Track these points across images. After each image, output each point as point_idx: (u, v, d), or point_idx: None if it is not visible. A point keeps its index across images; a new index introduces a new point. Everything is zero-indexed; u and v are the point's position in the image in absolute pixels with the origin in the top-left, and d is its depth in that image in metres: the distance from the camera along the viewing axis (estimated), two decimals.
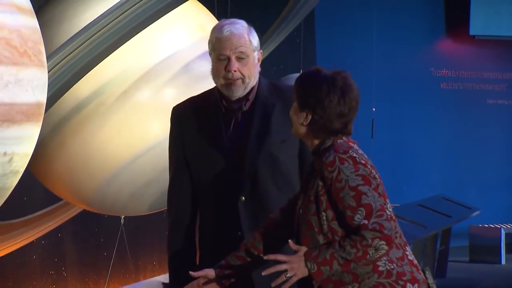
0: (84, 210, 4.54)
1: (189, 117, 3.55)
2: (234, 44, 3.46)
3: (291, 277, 3.04)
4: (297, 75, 8.31)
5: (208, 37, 3.77)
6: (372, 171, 3.10)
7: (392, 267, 3.10)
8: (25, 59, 2.39)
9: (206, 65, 3.99)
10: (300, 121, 3.16)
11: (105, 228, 6.30)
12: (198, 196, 3.56)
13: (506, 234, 11.93)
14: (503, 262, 11.67)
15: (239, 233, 3.49)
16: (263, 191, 3.51)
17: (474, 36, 12.48)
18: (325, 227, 3.09)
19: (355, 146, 3.14)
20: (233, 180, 3.50)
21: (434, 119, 12.55)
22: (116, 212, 4.34)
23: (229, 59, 3.45)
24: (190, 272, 3.32)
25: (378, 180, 3.10)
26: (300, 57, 8.99)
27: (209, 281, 3.30)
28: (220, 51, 3.46)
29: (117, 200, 4.06)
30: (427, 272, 3.22)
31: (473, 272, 10.95)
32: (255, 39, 3.51)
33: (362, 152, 3.14)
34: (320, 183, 3.08)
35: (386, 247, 3.03)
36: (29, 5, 2.50)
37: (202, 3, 4.30)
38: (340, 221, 3.07)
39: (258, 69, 3.53)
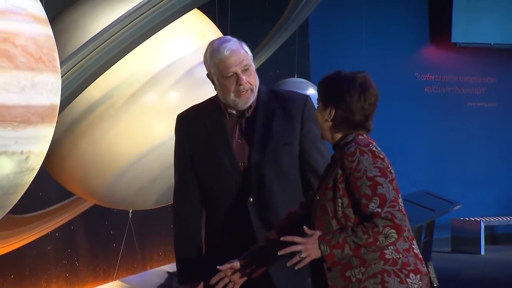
0: (95, 205, 4.54)
1: (194, 124, 3.53)
2: (237, 60, 3.45)
3: (304, 257, 3.05)
4: (292, 79, 8.33)
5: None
6: (389, 166, 3.12)
7: (398, 256, 3.10)
8: (40, 65, 2.38)
9: None
10: (325, 118, 3.18)
11: (114, 221, 6.29)
12: (204, 199, 3.55)
13: (486, 227, 11.93)
14: (483, 252, 11.67)
15: (250, 232, 3.47)
16: (269, 192, 3.49)
17: (455, 43, 12.48)
18: (340, 213, 3.09)
19: (374, 143, 3.16)
20: (240, 183, 3.48)
21: (419, 120, 12.55)
22: (125, 206, 4.33)
23: (236, 74, 3.44)
24: (218, 267, 3.31)
25: (393, 175, 3.11)
26: (295, 62, 8.98)
27: (234, 271, 3.31)
28: (226, 70, 3.43)
29: (125, 195, 4.06)
30: (430, 266, 3.24)
31: (455, 262, 10.95)
32: (248, 49, 3.50)
33: (380, 149, 3.15)
34: (340, 172, 3.09)
35: (395, 236, 3.03)
36: (44, 15, 2.49)
37: (204, 13, 4.29)
38: (354, 208, 3.08)
39: (257, 75, 3.54)
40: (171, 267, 7.45)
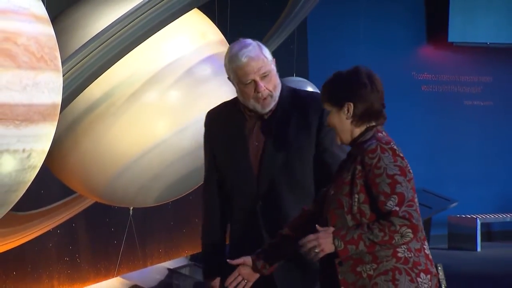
0: (96, 202, 4.54)
1: (217, 122, 3.54)
2: (255, 68, 3.41)
3: (318, 252, 3.04)
4: (291, 78, 8.32)
5: (211, 46, 3.76)
6: (408, 165, 3.10)
7: (410, 255, 3.08)
8: (42, 64, 2.38)
9: (207, 69, 3.99)
10: (344, 117, 3.14)
11: (115, 219, 6.29)
12: (224, 197, 3.55)
13: (482, 224, 11.93)
14: (479, 249, 11.67)
15: (258, 236, 3.46)
16: (278, 198, 3.46)
17: (452, 42, 12.47)
18: (355, 208, 3.07)
19: (393, 141, 3.15)
20: (251, 186, 3.47)
21: (416, 119, 12.55)
22: (125, 204, 4.33)
23: (255, 81, 3.41)
24: (228, 260, 3.31)
25: (412, 174, 3.10)
26: (293, 61, 8.98)
27: (246, 268, 3.31)
28: (244, 77, 3.40)
29: (126, 193, 4.06)
30: (439, 267, 3.21)
31: (451, 258, 10.96)
32: (267, 53, 3.45)
33: (400, 149, 3.14)
34: (359, 167, 3.07)
35: (411, 235, 3.02)
36: (45, 15, 2.49)
37: (203, 13, 4.29)
38: (371, 205, 3.06)
39: (278, 79, 3.48)
40: (171, 263, 7.46)
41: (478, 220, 11.84)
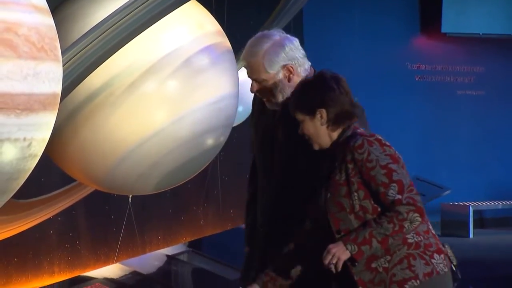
0: (96, 190, 4.54)
1: (257, 105, 3.53)
2: (249, 72, 3.41)
3: (335, 263, 2.99)
4: None
5: (208, 36, 3.75)
6: (396, 152, 3.09)
7: (420, 239, 3.06)
8: (42, 54, 2.38)
9: (205, 60, 3.98)
10: (319, 124, 3.12)
11: (115, 206, 6.29)
12: None
13: (474, 211, 11.96)
14: (471, 236, 11.70)
15: (259, 228, 3.44)
16: (279, 194, 3.44)
17: (445, 33, 12.48)
18: (357, 206, 3.04)
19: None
20: (261, 180, 3.45)
21: (410, 108, 12.55)
22: (125, 191, 4.33)
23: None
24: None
25: (402, 160, 3.10)
26: None
27: None
28: None
29: (125, 180, 4.06)
30: (446, 246, 3.20)
31: None
32: (272, 62, 3.36)
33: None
34: (350, 166, 3.03)
35: (419, 219, 3.00)
36: (45, 5, 2.49)
37: (200, 3, 4.28)
38: (374, 199, 3.03)
39: (287, 83, 3.37)
40: (170, 250, 7.46)
41: (470, 208, 11.86)
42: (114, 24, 3.58)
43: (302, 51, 3.47)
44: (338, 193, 3.05)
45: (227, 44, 4.01)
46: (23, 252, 5.43)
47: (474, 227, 11.87)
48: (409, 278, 3.02)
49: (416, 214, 2.98)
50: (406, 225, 2.97)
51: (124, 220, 5.43)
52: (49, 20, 2.47)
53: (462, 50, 12.78)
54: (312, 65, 3.52)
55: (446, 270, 3.07)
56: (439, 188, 10.71)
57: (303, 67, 3.43)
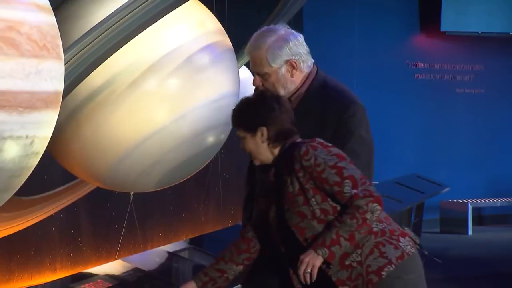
0: (97, 187, 4.54)
1: None
2: (252, 65, 3.40)
3: (310, 270, 3.01)
4: None
5: (209, 35, 3.75)
6: (340, 150, 3.13)
7: (384, 226, 3.10)
8: (44, 52, 2.38)
9: (206, 58, 3.98)
10: (259, 141, 3.15)
11: (116, 203, 6.30)
12: None
13: (473, 208, 11.97)
14: (470, 233, 11.71)
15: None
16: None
17: (444, 32, 12.47)
18: (317, 211, 3.06)
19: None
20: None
21: (409, 106, 12.55)
22: (126, 189, 4.33)
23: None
24: None
25: (347, 155, 3.13)
26: None
27: None
28: None
29: (126, 178, 4.06)
30: (406, 228, 3.25)
31: (443, 242, 11.00)
32: (275, 56, 3.35)
33: None
34: (301, 174, 3.06)
35: (379, 207, 3.03)
36: (47, 4, 2.49)
37: (202, 2, 4.28)
38: (332, 200, 3.06)
39: (290, 78, 3.37)
40: (171, 247, 7.46)
41: (469, 205, 11.87)
42: (116, 23, 3.58)
43: (307, 48, 3.47)
44: (295, 204, 3.07)
45: (228, 42, 4.01)
46: (26, 248, 5.44)
47: (473, 224, 11.87)
48: (384, 265, 3.05)
49: (375, 204, 3.02)
50: (368, 217, 3.01)
51: (125, 217, 5.43)
52: (51, 19, 2.47)
53: (461, 49, 12.78)
54: (315, 63, 3.51)
55: (413, 251, 3.14)
56: (438, 185, 10.71)
57: (306, 63, 3.42)
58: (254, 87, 3.43)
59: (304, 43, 3.44)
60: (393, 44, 12.47)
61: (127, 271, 6.49)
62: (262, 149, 3.15)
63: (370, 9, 12.14)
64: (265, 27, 3.45)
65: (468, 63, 12.93)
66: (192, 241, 7.92)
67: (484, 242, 11.04)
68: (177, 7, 3.80)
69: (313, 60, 3.48)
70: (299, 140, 3.14)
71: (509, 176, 12.87)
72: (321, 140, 3.10)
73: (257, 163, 3.19)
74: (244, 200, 3.44)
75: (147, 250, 7.10)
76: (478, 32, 12.53)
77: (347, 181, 3.02)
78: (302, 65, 3.40)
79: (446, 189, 10.62)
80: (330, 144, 3.10)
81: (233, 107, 3.20)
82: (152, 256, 7.12)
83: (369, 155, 3.45)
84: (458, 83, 12.90)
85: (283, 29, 3.43)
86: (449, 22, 12.35)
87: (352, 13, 11.87)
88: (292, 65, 3.38)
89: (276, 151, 3.15)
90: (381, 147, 12.17)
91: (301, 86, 3.42)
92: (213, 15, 4.28)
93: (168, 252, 7.29)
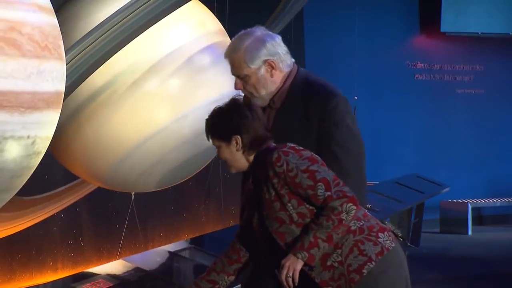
0: (99, 187, 4.55)
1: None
2: (232, 69, 3.41)
3: (291, 274, 3.03)
4: None
5: (210, 35, 3.75)
6: (312, 153, 3.13)
7: (361, 223, 3.12)
8: (46, 53, 2.38)
9: (207, 58, 3.98)
10: (234, 150, 3.17)
11: (117, 203, 6.30)
12: None
13: (473, 208, 11.96)
14: (470, 233, 11.70)
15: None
16: None
17: (444, 32, 12.46)
18: (295, 215, 3.08)
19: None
20: None
21: (409, 106, 12.54)
22: (127, 189, 4.34)
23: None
24: None
25: (320, 158, 3.13)
26: (290, 50, 8.95)
27: None
28: None
29: (128, 178, 4.06)
30: (387, 222, 3.28)
31: (443, 242, 10.99)
32: (253, 57, 3.37)
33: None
34: (275, 181, 3.08)
35: (354, 207, 3.05)
36: (49, 5, 2.49)
37: (203, 3, 4.28)
38: (308, 203, 3.08)
39: (270, 79, 3.38)
40: (172, 247, 7.46)
41: (469, 205, 11.86)
42: (117, 24, 3.58)
43: (285, 48, 3.47)
44: (273, 210, 3.09)
45: (229, 42, 4.01)
46: (27, 248, 5.44)
47: (473, 224, 11.86)
48: (364, 262, 3.07)
49: (349, 204, 3.03)
50: (344, 217, 3.03)
51: (126, 217, 5.43)
52: (52, 19, 2.47)
53: (461, 49, 12.77)
54: (296, 62, 3.51)
55: (393, 245, 3.13)
56: (438, 185, 10.69)
57: (285, 63, 3.43)
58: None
59: (282, 44, 3.45)
60: (393, 44, 12.46)
61: (128, 271, 6.49)
62: (238, 157, 3.17)
63: (371, 10, 12.13)
64: (242, 31, 3.46)
65: (468, 63, 12.92)
66: (193, 241, 7.92)
67: (484, 242, 11.03)
68: (178, 8, 3.80)
69: (293, 60, 3.49)
70: (273, 145, 3.16)
71: (509, 176, 12.86)
72: (293, 145, 3.12)
73: (233, 171, 3.23)
74: (240, 209, 3.45)
75: (148, 250, 7.10)
76: (478, 33, 12.52)
77: (319, 184, 3.04)
78: (281, 64, 3.41)
79: (446, 189, 10.61)
80: (302, 148, 3.12)
81: (206, 117, 3.21)
82: (153, 256, 7.12)
83: (358, 147, 3.43)
84: (458, 83, 12.89)
85: (259, 31, 3.44)
86: (449, 22, 12.34)
87: (353, 13, 11.86)
88: (270, 65, 3.39)
89: (251, 158, 3.17)
90: (381, 147, 12.19)
91: (283, 85, 3.43)
92: (213, 15, 4.28)
93: (169, 252, 7.29)
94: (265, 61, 3.39)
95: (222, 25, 4.25)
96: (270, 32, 3.49)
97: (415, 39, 12.69)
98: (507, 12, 12.56)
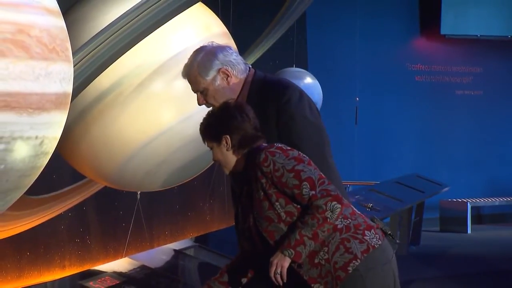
0: (105, 187, 4.55)
1: None
2: (191, 86, 3.46)
3: (279, 271, 3.05)
4: (290, 69, 8.30)
5: (214, 38, 3.75)
6: (299, 152, 3.14)
7: (348, 222, 3.13)
8: (54, 55, 2.38)
9: None
10: (225, 149, 3.19)
11: (124, 202, 6.30)
12: None
13: (472, 207, 11.95)
14: (469, 231, 11.70)
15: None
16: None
17: (444, 35, 12.46)
18: (283, 214, 3.09)
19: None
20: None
21: (409, 108, 12.54)
22: (133, 188, 4.34)
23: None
24: None
25: (307, 157, 3.13)
26: (293, 53, 8.97)
27: None
28: None
29: (134, 177, 4.06)
30: (376, 219, 3.26)
31: (443, 240, 10.98)
32: (206, 69, 3.40)
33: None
34: (263, 181, 3.09)
35: (339, 205, 3.05)
36: (57, 8, 2.49)
37: (208, 6, 4.28)
38: (295, 202, 3.09)
39: (227, 86, 3.41)
40: (177, 245, 7.46)
41: (468, 204, 11.85)
42: (123, 26, 3.58)
43: (237, 55, 3.49)
44: (262, 209, 3.11)
45: (233, 45, 4.01)
46: (35, 246, 5.44)
47: (472, 223, 11.86)
48: (350, 260, 3.07)
49: (334, 202, 3.03)
50: (328, 215, 3.03)
51: (132, 215, 5.43)
52: (60, 22, 2.47)
53: (461, 51, 12.76)
54: (251, 66, 3.52)
55: (380, 242, 3.14)
56: (438, 185, 10.69)
57: (239, 68, 3.45)
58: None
59: (233, 52, 3.47)
60: (394, 47, 12.45)
61: (134, 269, 6.49)
62: (229, 157, 3.20)
63: (372, 13, 12.13)
64: (195, 49, 3.49)
65: (467, 65, 12.92)
66: (197, 239, 7.92)
67: (483, 240, 11.03)
68: (184, 10, 3.80)
69: (248, 65, 3.51)
70: (263, 145, 3.17)
71: (507, 176, 12.85)
72: (281, 145, 3.14)
73: (226, 172, 3.25)
74: (235, 218, 3.45)
75: (153, 248, 7.10)
76: (477, 35, 12.52)
77: (305, 183, 3.05)
78: (235, 71, 3.43)
79: (446, 189, 10.60)
80: (289, 148, 3.13)
81: (201, 121, 3.25)
82: (159, 254, 7.12)
83: (319, 135, 3.42)
84: (458, 85, 12.89)
85: (209, 46, 3.48)
86: (448, 25, 12.33)
87: (354, 16, 11.86)
88: (225, 73, 3.42)
89: (242, 158, 3.18)
90: (382, 147, 12.19)
91: (242, 89, 3.45)
92: (218, 18, 4.28)
93: (174, 250, 7.29)
94: (218, 70, 3.41)
95: (227, 27, 4.25)
96: (221, 44, 3.52)
97: (415, 41, 12.68)
98: (505, 15, 12.55)
